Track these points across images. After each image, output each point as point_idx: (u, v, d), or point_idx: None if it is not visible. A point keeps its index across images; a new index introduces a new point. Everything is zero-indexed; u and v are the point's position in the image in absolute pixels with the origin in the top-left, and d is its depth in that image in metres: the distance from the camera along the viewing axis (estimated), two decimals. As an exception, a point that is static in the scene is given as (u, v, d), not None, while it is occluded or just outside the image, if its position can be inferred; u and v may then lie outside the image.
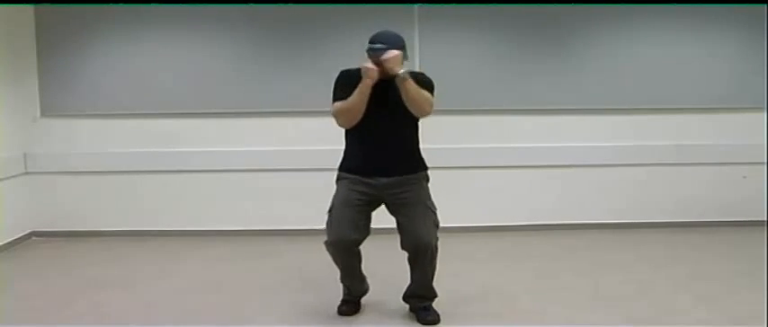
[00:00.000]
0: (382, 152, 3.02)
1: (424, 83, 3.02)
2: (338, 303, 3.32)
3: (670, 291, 3.61)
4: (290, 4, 4.86)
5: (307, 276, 3.93)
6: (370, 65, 2.90)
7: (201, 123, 5.02)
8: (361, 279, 3.29)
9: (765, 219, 4.99)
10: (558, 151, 5.07)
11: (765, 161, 5.01)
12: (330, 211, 3.08)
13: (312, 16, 4.89)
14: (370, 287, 3.37)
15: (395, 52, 2.89)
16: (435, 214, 3.10)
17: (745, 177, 5.10)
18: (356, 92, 2.91)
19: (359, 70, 2.95)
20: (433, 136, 4.96)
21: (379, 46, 2.90)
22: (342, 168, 3.13)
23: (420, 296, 3.21)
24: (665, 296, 3.52)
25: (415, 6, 4.92)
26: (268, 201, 5.06)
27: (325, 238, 3.07)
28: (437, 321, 3.16)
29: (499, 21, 4.95)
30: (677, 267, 4.08)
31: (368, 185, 3.04)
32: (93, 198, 5.09)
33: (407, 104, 2.93)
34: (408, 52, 3.04)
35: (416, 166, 3.11)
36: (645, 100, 5.03)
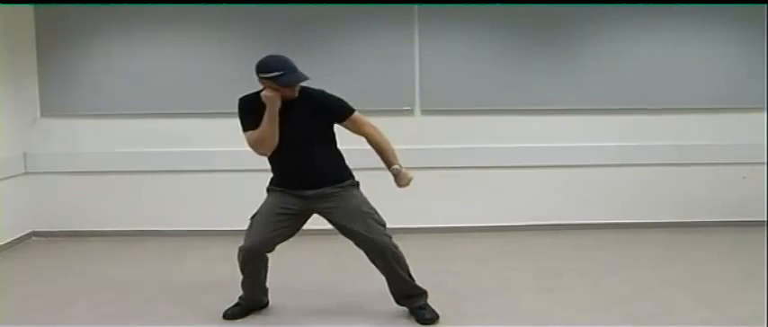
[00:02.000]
0: (301, 168, 3.09)
1: (334, 104, 3.09)
2: (230, 305, 3.33)
3: (670, 291, 3.61)
4: (290, 5, 4.86)
5: (306, 276, 3.93)
6: (269, 93, 2.95)
7: (201, 123, 5.02)
8: (263, 290, 3.35)
9: (765, 219, 4.99)
10: (558, 151, 5.08)
11: (765, 161, 5.01)
12: (252, 217, 3.18)
13: (312, 16, 4.89)
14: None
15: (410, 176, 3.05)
16: (375, 214, 3.12)
17: (744, 177, 5.10)
18: (265, 120, 2.96)
19: (257, 95, 3.03)
20: (434, 137, 5.02)
21: (280, 73, 2.94)
22: (271, 182, 3.22)
23: (409, 296, 3.22)
24: (665, 296, 3.52)
25: (415, 6, 4.92)
26: (268, 201, 5.05)
27: (241, 243, 3.14)
28: (436, 319, 3.17)
29: (499, 21, 4.95)
30: (677, 267, 4.08)
31: (294, 197, 3.11)
32: (94, 198, 5.10)
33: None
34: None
35: (339, 177, 3.15)
36: (645, 100, 5.03)
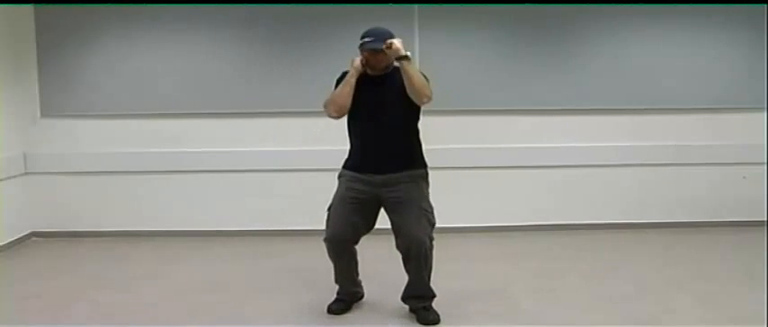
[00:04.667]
0: (377, 149, 3.06)
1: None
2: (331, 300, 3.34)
3: (670, 291, 3.61)
4: (290, 4, 4.86)
5: (306, 276, 3.93)
6: (356, 61, 3.03)
7: (201, 123, 5.02)
8: (354, 281, 3.32)
9: (765, 219, 4.99)
10: (558, 151, 5.07)
11: (765, 161, 5.01)
12: (329, 208, 3.14)
13: (312, 16, 4.88)
14: (366, 293, 3.40)
15: (396, 40, 2.97)
16: (430, 213, 3.10)
17: (744, 177, 5.10)
18: (343, 82, 3.03)
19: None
20: (434, 137, 4.96)
21: (368, 40, 2.98)
22: (344, 166, 3.18)
23: (418, 297, 3.21)
24: (665, 296, 3.52)
25: (415, 6, 4.91)
26: (268, 201, 5.05)
27: (324, 235, 3.12)
28: (437, 321, 3.16)
29: (499, 21, 4.95)
30: (677, 267, 4.08)
31: (363, 182, 3.08)
32: (93, 199, 5.09)
33: (408, 87, 2.96)
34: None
35: (412, 164, 3.11)
36: (645, 100, 5.03)
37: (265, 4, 4.85)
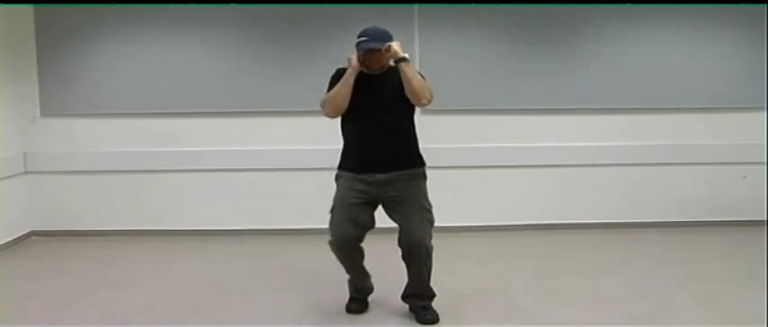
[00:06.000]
0: (377, 148, 3.05)
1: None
2: (346, 301, 3.34)
3: (670, 291, 3.61)
4: (289, 4, 4.86)
5: (306, 276, 3.93)
6: (353, 58, 3.01)
7: (201, 123, 5.02)
8: (366, 275, 3.32)
9: (765, 219, 4.99)
10: (557, 151, 5.07)
11: (765, 161, 5.01)
12: (331, 211, 3.12)
13: (312, 16, 4.89)
14: (374, 287, 3.39)
15: (395, 43, 2.96)
16: (430, 212, 3.10)
17: (744, 177, 5.10)
18: (341, 81, 2.99)
19: None
20: (434, 137, 4.98)
21: (364, 39, 2.98)
22: (340, 166, 3.16)
23: (418, 296, 3.21)
24: (665, 296, 3.52)
25: (415, 6, 4.91)
26: (268, 201, 5.05)
27: (328, 238, 3.11)
28: (436, 320, 3.17)
29: (499, 21, 4.95)
30: (677, 267, 4.08)
31: (364, 182, 3.06)
32: (93, 198, 5.09)
33: (407, 89, 2.96)
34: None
35: (412, 162, 3.11)
36: (645, 100, 5.03)
37: (265, 5, 4.85)
